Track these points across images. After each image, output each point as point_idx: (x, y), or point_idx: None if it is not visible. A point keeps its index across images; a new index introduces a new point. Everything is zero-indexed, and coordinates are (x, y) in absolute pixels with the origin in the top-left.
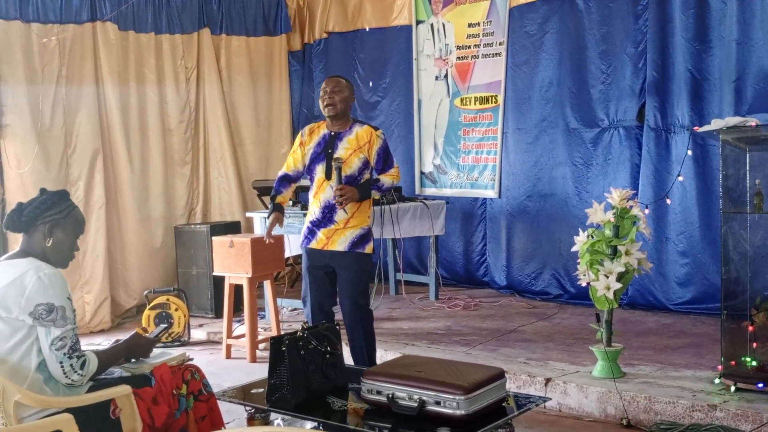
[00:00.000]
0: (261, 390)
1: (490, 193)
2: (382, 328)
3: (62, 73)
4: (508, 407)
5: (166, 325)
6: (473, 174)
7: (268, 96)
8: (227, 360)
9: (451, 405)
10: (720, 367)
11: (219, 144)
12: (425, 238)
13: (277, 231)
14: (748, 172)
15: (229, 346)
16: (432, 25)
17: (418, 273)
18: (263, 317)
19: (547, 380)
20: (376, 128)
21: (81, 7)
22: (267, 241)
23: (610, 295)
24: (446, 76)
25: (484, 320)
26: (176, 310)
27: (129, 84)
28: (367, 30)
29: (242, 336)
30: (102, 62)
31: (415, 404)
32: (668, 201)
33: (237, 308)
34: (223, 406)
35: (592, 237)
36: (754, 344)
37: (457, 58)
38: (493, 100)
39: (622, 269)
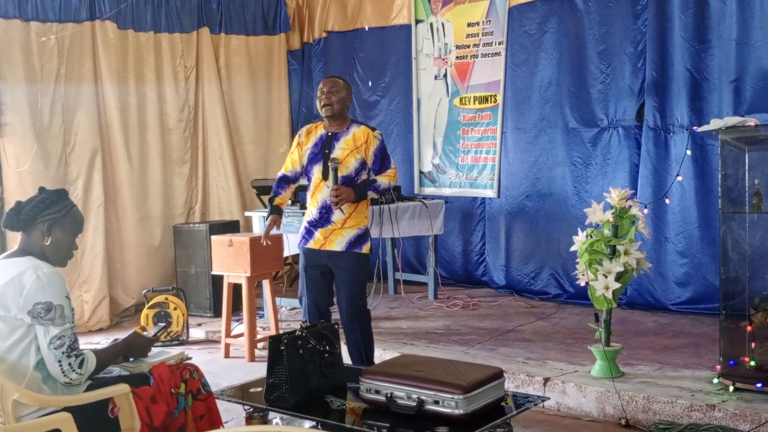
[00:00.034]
0: (259, 389)
1: (489, 193)
2: (380, 327)
3: (61, 72)
4: (507, 407)
5: (164, 324)
6: (472, 173)
7: (268, 95)
8: (226, 359)
9: (450, 404)
10: (719, 366)
11: (218, 143)
12: (424, 238)
13: (275, 230)
14: (747, 172)
15: (227, 345)
16: (431, 25)
17: (416, 272)
18: (262, 316)
19: (546, 380)
20: (373, 129)
21: (80, 5)
22: (264, 243)
23: (609, 295)
24: (445, 75)
25: (483, 320)
26: (175, 309)
27: (128, 83)
28: (367, 29)
29: (241, 335)
30: (101, 61)
31: (414, 403)
32: (667, 201)
33: (236, 307)
34: (222, 405)
35: (591, 237)
36: (753, 344)
37: (457, 57)
38: (493, 99)
39: (621, 269)
